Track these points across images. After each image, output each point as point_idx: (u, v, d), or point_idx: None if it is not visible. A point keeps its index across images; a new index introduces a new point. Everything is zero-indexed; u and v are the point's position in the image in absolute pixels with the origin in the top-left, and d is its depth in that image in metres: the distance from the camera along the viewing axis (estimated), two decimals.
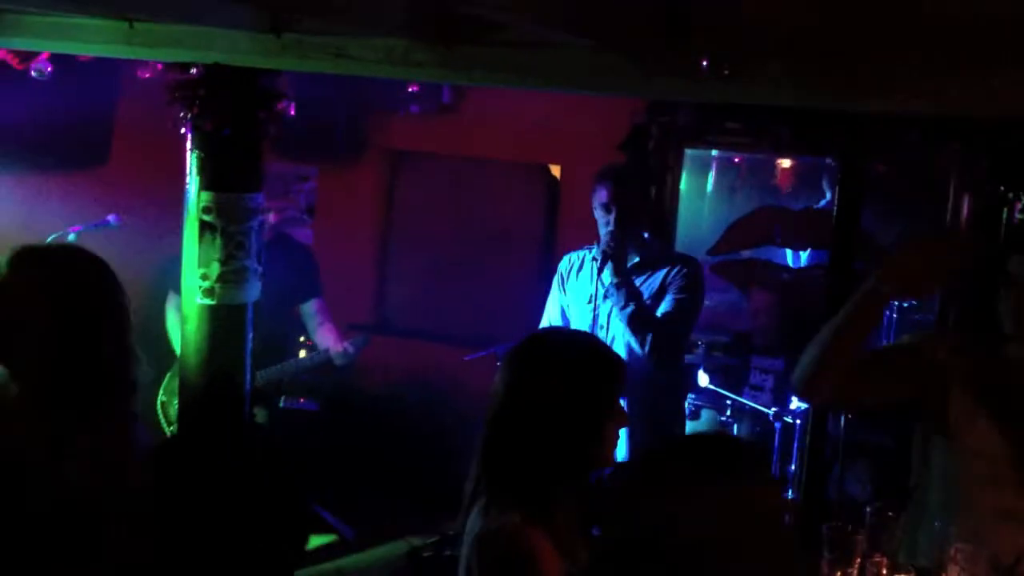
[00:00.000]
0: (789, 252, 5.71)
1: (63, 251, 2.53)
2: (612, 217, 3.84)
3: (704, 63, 2.57)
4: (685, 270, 3.89)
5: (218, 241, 3.36)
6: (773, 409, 4.38)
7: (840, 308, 2.60)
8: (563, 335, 2.83)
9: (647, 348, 3.76)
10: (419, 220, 6.35)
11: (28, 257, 2.30)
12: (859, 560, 2.30)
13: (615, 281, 3.80)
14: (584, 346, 2.34)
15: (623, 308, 3.79)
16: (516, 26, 2.78)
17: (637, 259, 3.91)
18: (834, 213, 4.06)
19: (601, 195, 3.90)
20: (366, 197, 6.36)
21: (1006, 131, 4.61)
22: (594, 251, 3.95)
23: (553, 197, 6.05)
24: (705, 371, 4.62)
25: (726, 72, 2.52)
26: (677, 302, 3.84)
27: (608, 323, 3.89)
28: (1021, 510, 2.53)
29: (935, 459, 2.71)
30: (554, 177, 6.07)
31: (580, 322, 3.97)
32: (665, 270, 3.89)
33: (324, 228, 6.30)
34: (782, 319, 5.26)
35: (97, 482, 2.15)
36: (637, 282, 3.86)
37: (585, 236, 4.56)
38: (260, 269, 3.44)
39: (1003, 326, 2.61)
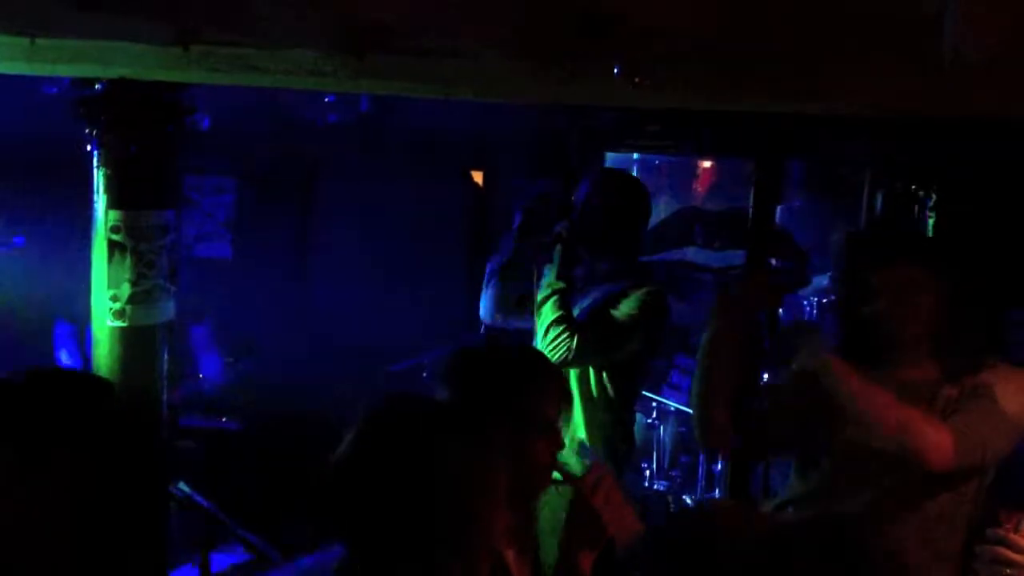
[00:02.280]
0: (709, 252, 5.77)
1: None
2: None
3: (616, 69, 2.57)
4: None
5: (128, 261, 3.27)
6: None
7: None
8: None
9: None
10: (341, 230, 6.28)
11: None
12: None
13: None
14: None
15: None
16: (428, 34, 2.75)
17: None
18: (750, 212, 4.10)
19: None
20: (286, 208, 6.27)
21: (918, 130, 4.69)
22: None
23: (477, 204, 6.03)
24: None
25: (637, 80, 2.52)
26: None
27: None
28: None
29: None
30: (477, 184, 6.05)
31: None
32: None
33: (244, 242, 6.20)
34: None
35: None
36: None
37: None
38: (173, 288, 3.36)
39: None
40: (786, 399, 2.77)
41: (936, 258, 2.68)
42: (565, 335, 3.46)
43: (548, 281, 3.56)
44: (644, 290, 3.60)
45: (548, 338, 3.47)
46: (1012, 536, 2.41)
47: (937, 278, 2.60)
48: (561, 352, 3.43)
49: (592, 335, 3.52)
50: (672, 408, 4.53)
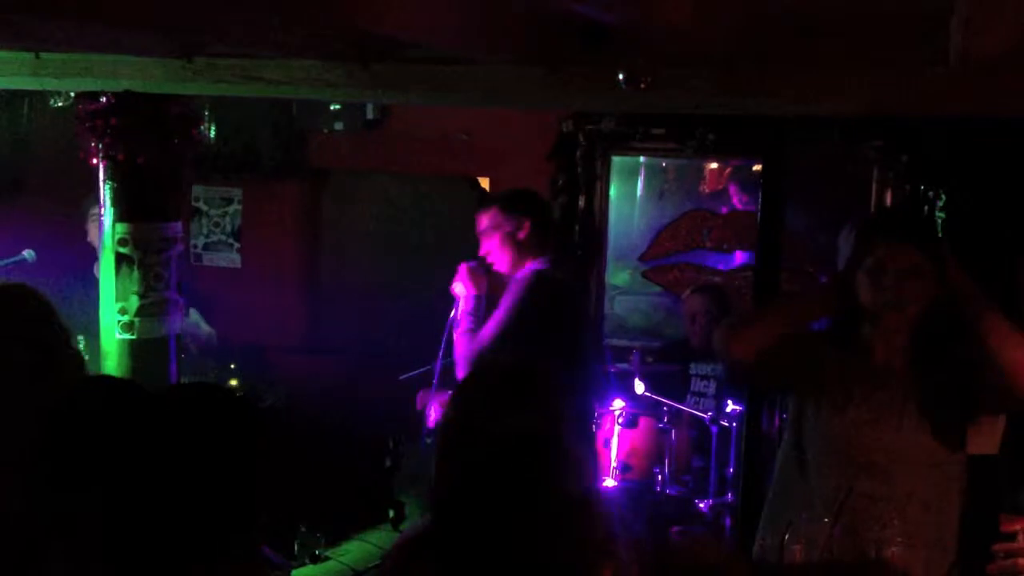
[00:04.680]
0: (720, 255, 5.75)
1: None
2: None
3: (621, 76, 2.56)
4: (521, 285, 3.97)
5: (135, 274, 3.28)
6: (709, 413, 4.39)
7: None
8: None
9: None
10: (348, 238, 6.28)
11: None
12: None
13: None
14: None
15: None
16: (431, 43, 2.75)
17: None
18: (758, 214, 4.08)
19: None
20: (293, 217, 6.27)
21: (925, 129, 4.68)
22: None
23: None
24: (641, 379, 4.61)
25: (642, 86, 2.51)
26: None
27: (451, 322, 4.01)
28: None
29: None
30: (484, 190, 6.04)
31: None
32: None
33: (251, 251, 6.20)
34: (718, 323, 5.26)
35: None
36: None
37: None
38: (181, 300, 3.37)
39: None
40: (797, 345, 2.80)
41: (939, 247, 2.70)
42: None
43: None
44: None
45: None
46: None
47: (936, 266, 2.63)
48: None
49: None
50: (685, 413, 4.51)
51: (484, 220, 4.01)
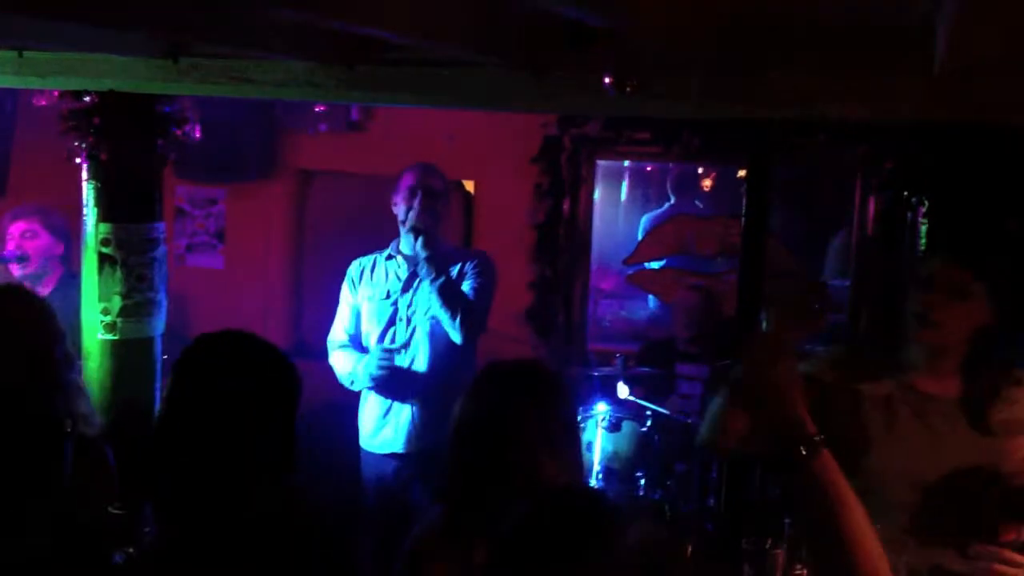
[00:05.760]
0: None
1: None
2: (418, 199, 4.11)
3: (607, 80, 2.57)
4: (476, 261, 4.23)
5: (118, 274, 3.26)
6: (692, 419, 4.39)
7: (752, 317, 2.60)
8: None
9: (457, 320, 4.02)
10: (332, 240, 6.26)
11: None
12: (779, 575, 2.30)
13: (426, 255, 4.04)
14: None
15: (434, 280, 4.04)
16: (417, 45, 2.75)
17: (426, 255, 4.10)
18: (743, 219, 4.09)
19: (408, 180, 4.20)
20: (277, 218, 6.25)
21: (910, 136, 4.69)
22: (386, 252, 4.31)
23: (468, 212, 6.01)
24: (625, 382, 4.61)
25: (628, 90, 2.52)
26: (476, 287, 4.15)
27: (408, 316, 4.17)
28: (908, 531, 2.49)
29: None
30: (468, 192, 6.04)
31: (378, 318, 4.22)
32: (459, 265, 4.18)
33: (235, 252, 6.18)
34: (707, 324, 5.26)
35: None
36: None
37: (500, 250, 4.53)
38: (164, 301, 3.35)
39: (907, 329, 2.60)
40: None
41: (994, 269, 2.58)
42: None
43: None
44: None
45: None
46: (1007, 553, 2.38)
47: (991, 289, 2.52)
48: None
49: None
50: (668, 417, 4.51)
51: None
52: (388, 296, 4.23)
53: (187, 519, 1.95)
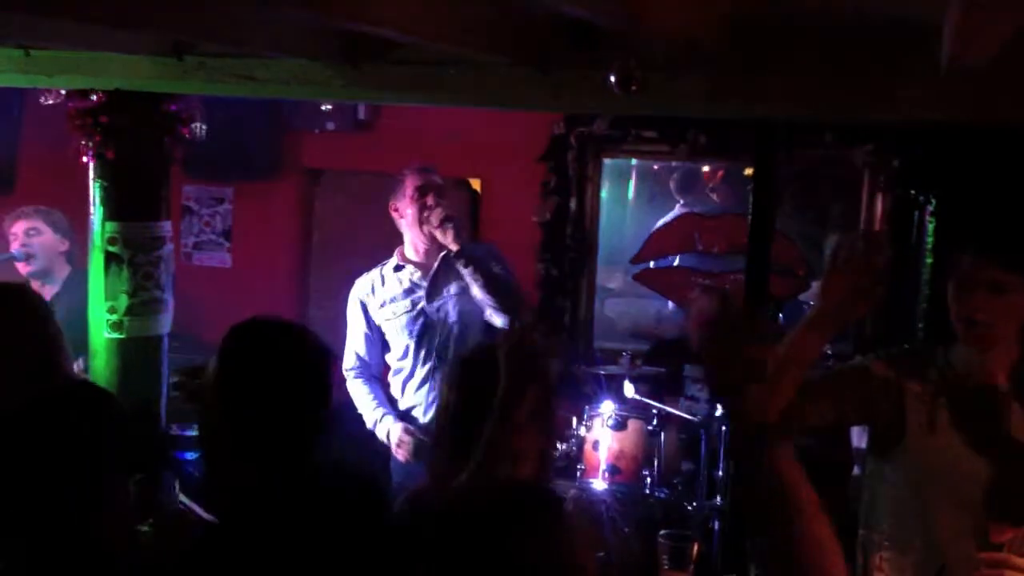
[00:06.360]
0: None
1: None
2: (431, 196, 3.97)
3: (612, 78, 2.57)
4: (490, 247, 4.16)
5: (125, 272, 3.27)
6: (699, 416, 4.38)
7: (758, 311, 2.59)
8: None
9: (501, 301, 3.89)
10: (339, 238, 6.26)
11: None
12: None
13: (458, 247, 3.90)
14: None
15: (474, 269, 3.89)
16: (422, 44, 2.75)
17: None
18: (749, 217, 4.08)
19: (413, 181, 4.04)
20: (284, 217, 6.26)
21: (916, 135, 4.69)
22: (391, 263, 4.13)
23: (475, 210, 6.02)
24: (631, 381, 4.59)
25: (633, 88, 2.52)
26: (505, 268, 4.03)
27: (442, 317, 4.01)
28: (980, 528, 2.46)
29: (886, 490, 2.67)
30: (475, 191, 6.04)
31: (407, 332, 4.03)
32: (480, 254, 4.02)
33: (242, 250, 6.19)
34: (720, 325, 5.24)
35: None
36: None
37: (507, 248, 4.53)
38: (171, 299, 3.35)
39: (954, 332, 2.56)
40: (850, 379, 2.63)
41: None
42: None
43: None
44: None
45: None
46: (1013, 558, 2.37)
47: None
48: None
49: None
50: (674, 416, 4.50)
51: None
52: (412, 308, 4.05)
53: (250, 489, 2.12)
